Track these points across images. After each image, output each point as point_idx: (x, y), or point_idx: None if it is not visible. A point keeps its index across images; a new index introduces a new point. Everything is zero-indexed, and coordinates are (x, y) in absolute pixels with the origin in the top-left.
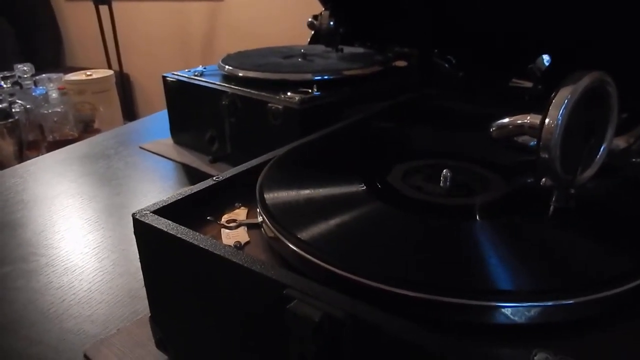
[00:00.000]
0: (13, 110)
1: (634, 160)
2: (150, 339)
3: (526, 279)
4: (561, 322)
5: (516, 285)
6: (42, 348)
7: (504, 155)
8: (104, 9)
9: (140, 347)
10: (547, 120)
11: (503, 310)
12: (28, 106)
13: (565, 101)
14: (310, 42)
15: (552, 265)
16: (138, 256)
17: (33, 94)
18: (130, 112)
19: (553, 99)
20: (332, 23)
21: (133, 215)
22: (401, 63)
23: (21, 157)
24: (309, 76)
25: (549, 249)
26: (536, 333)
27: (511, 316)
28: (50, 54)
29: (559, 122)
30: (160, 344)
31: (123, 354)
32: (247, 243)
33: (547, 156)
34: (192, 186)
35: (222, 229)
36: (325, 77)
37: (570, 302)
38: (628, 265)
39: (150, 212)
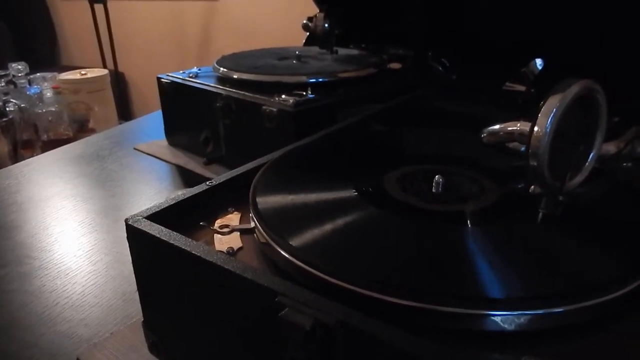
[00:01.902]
0: (7, 109)
1: (624, 164)
2: (143, 343)
3: (517, 287)
4: (551, 328)
5: (507, 293)
6: (35, 351)
7: (498, 159)
8: (99, 7)
9: (133, 351)
10: (535, 128)
11: (493, 318)
12: (22, 105)
13: (554, 109)
14: (305, 44)
15: (542, 273)
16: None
17: (27, 93)
18: (125, 111)
19: (542, 106)
20: (327, 25)
21: (126, 220)
22: (396, 65)
23: (16, 157)
24: (303, 78)
25: (539, 255)
26: (525, 339)
27: (501, 324)
28: (45, 52)
29: (547, 130)
30: (153, 348)
31: (116, 358)
32: (240, 249)
33: (535, 164)
34: (185, 191)
35: (215, 235)
36: (320, 79)
37: (560, 309)
38: (618, 272)
39: (143, 217)
